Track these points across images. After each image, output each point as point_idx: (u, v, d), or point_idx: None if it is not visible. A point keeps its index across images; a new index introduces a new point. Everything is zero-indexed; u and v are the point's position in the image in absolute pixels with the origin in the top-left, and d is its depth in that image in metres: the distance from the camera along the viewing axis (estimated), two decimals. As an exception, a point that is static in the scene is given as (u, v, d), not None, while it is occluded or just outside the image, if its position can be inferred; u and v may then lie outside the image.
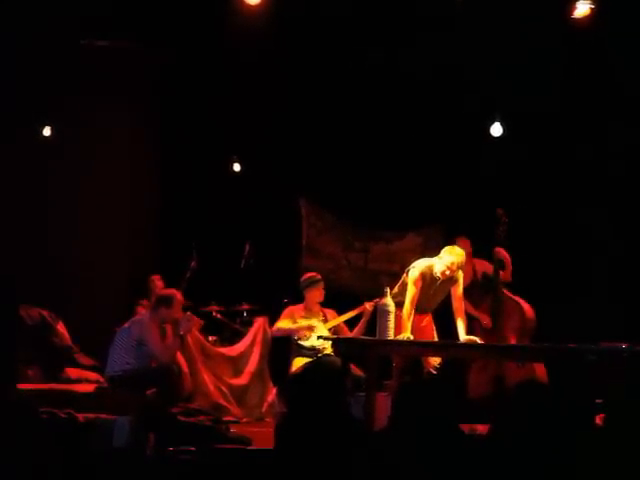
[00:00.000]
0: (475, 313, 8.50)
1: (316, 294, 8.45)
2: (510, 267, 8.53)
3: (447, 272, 7.22)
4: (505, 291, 8.51)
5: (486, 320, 8.49)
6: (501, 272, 8.48)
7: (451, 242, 7.82)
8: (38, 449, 5.90)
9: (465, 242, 8.70)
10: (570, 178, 9.67)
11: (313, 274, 8.62)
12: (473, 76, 9.37)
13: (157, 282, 9.55)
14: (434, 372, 7.42)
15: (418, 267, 7.31)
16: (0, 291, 6.08)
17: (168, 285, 9.12)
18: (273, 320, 8.68)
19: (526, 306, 8.45)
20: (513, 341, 8.30)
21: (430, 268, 7.29)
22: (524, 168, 9.73)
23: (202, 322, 9.06)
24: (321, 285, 8.47)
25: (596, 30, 7.97)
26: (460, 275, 7.40)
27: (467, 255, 8.59)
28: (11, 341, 6.32)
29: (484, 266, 8.81)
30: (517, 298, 8.49)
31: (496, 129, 9.86)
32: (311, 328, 8.29)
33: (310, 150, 10.32)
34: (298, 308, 8.49)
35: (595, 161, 9.51)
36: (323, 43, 9.31)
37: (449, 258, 7.23)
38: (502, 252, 8.47)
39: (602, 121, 9.41)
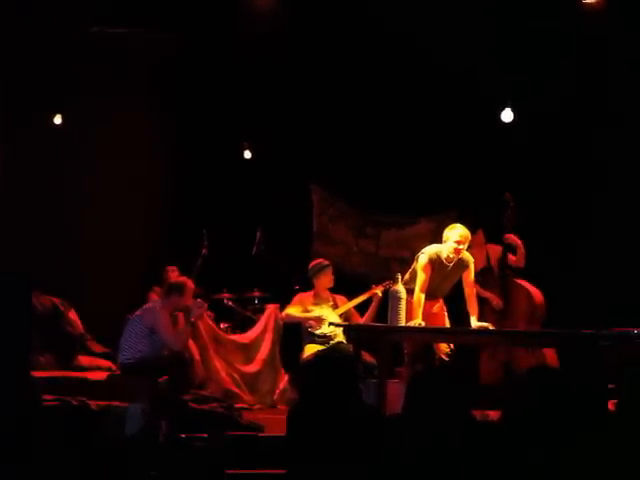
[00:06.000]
0: (485, 294, 8.38)
1: (325, 280, 8.41)
2: (523, 252, 8.45)
3: (460, 247, 7.17)
4: (514, 277, 8.43)
5: (496, 300, 8.38)
6: (513, 257, 8.42)
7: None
8: (51, 436, 5.93)
9: (477, 231, 8.64)
10: (583, 163, 9.61)
11: (320, 260, 8.59)
12: (485, 61, 9.33)
13: (172, 273, 9.54)
14: (446, 359, 7.41)
15: (427, 253, 7.29)
16: (15, 279, 6.09)
17: (182, 274, 9.12)
18: (285, 307, 8.68)
19: (535, 292, 8.35)
20: (522, 328, 8.22)
21: (438, 254, 7.26)
22: (536, 153, 9.69)
23: (212, 314, 9.10)
24: (330, 270, 8.43)
25: (607, 14, 7.93)
26: (471, 260, 7.38)
27: (480, 243, 8.62)
28: (26, 329, 6.35)
29: (498, 252, 8.68)
30: (526, 284, 8.40)
31: (507, 115, 9.83)
32: (320, 320, 8.26)
33: (321, 136, 10.29)
34: (308, 295, 8.47)
35: (607, 146, 9.46)
36: (334, 27, 9.28)
37: (454, 233, 7.20)
38: (513, 237, 8.39)
39: (613, 106, 9.35)
